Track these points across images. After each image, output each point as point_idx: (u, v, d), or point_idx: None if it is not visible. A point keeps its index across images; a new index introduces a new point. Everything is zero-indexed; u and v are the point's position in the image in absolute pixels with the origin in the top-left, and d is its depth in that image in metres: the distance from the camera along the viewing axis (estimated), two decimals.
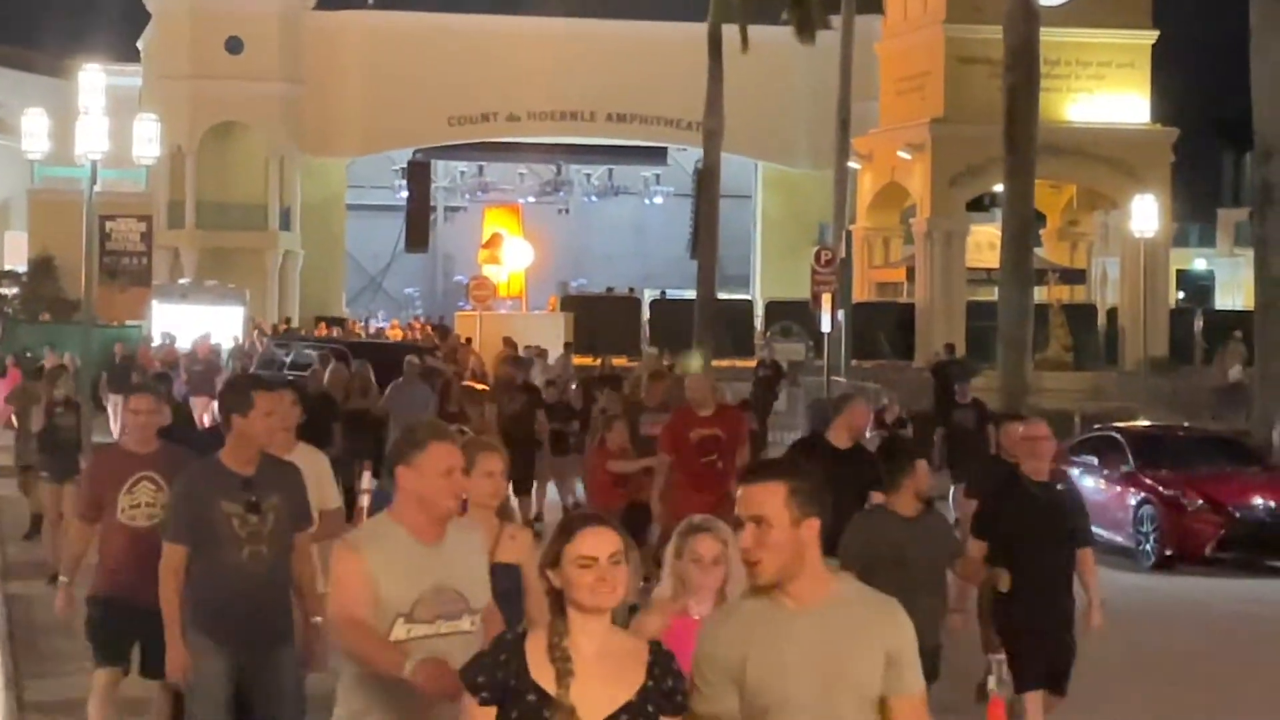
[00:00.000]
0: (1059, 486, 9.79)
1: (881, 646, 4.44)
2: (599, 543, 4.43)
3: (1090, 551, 9.43)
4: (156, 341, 37.61)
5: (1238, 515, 18.92)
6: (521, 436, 17.83)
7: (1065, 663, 9.18)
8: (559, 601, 4.44)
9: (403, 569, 5.31)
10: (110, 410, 28.55)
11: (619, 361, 33.83)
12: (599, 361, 32.13)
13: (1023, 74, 26.42)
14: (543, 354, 32.77)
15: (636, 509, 13.37)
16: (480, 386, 22.71)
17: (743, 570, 5.61)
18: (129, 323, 44.28)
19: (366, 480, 17.54)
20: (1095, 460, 20.18)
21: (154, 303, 44.48)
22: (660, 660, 4.48)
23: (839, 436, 10.91)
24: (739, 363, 38.98)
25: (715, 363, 35.26)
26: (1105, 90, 46.32)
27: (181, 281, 49.73)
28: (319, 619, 7.20)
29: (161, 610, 7.38)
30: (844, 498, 10.20)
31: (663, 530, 13.02)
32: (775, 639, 4.43)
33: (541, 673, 4.38)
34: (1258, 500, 19.11)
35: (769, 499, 4.48)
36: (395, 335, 45.81)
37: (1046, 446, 9.28)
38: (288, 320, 49.15)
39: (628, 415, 15.43)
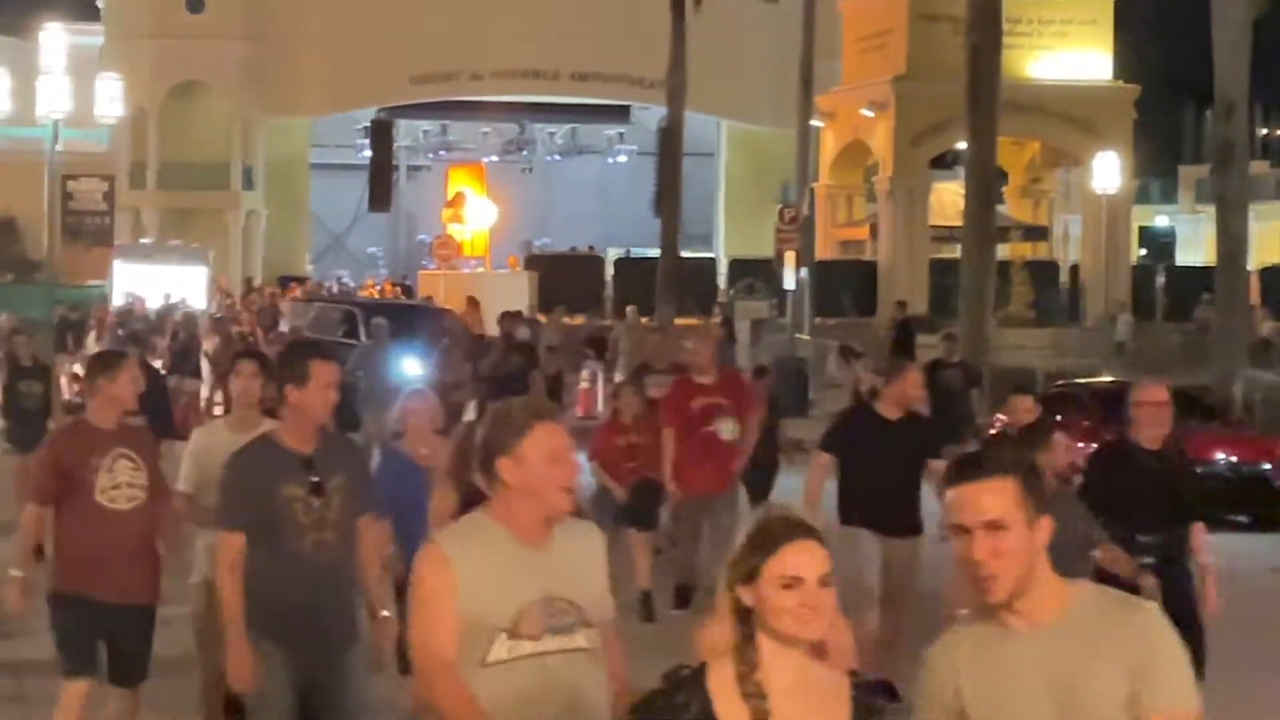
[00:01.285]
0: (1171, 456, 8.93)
1: (1123, 661, 3.71)
2: (807, 560, 3.72)
3: (1202, 526, 8.80)
4: (118, 302, 37.46)
5: (1199, 471, 19.08)
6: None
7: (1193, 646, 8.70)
8: (748, 624, 3.74)
9: (503, 577, 4.51)
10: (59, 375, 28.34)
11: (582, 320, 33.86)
12: (581, 322, 31.92)
13: (985, 32, 26.47)
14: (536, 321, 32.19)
15: (647, 485, 12.85)
16: None
17: None
18: (92, 283, 44.13)
19: None
20: (1058, 416, 20.30)
21: (117, 263, 44.33)
22: (865, 695, 3.88)
23: (889, 407, 10.24)
24: (703, 320, 39.04)
25: (679, 321, 35.33)
26: (1067, 47, 46.40)
27: (144, 241, 49.50)
28: (386, 613, 6.72)
29: (224, 613, 6.60)
30: (897, 470, 10.00)
31: (673, 507, 12.91)
32: (998, 669, 3.79)
33: (731, 712, 3.70)
34: (1219, 455, 19.29)
35: (999, 499, 3.78)
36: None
37: (1167, 413, 8.56)
38: (249, 280, 48.98)
39: (634, 378, 14.84)
